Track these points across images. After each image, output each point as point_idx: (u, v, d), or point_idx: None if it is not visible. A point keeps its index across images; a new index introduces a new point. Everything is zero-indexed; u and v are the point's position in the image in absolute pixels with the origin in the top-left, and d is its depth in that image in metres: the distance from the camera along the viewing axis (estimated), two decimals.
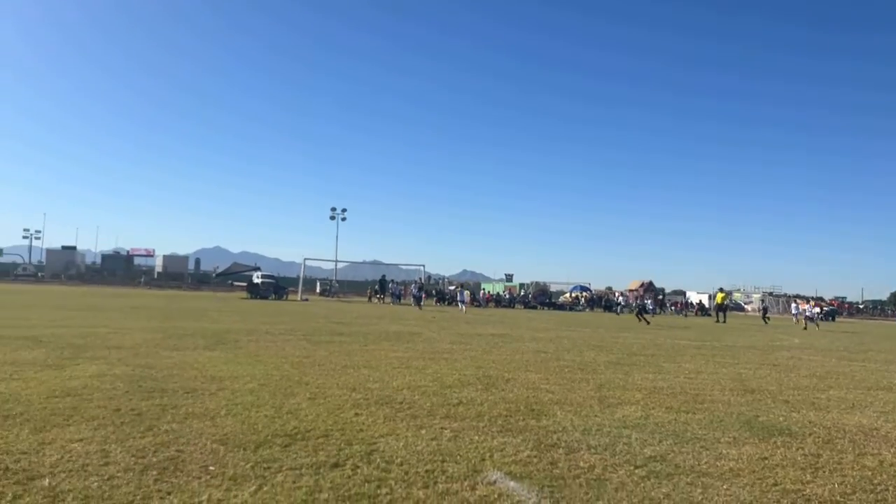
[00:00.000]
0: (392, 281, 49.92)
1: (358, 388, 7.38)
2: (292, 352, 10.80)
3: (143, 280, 65.41)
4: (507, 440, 5.20)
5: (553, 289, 66.82)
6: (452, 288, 56.92)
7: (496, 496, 3.85)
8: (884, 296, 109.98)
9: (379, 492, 3.83)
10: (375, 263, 70.35)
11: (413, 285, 47.50)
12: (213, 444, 4.66)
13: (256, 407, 6.02)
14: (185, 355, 9.60)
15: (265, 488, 3.77)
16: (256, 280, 45.27)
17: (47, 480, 3.73)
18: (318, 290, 60.66)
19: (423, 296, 45.02)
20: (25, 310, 18.90)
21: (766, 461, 4.97)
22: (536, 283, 71.28)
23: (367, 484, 3.94)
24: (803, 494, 4.18)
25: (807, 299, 51.62)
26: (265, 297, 41.31)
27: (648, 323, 29.86)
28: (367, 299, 48.07)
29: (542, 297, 55.11)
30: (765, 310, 43.06)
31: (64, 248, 79.97)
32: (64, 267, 72.28)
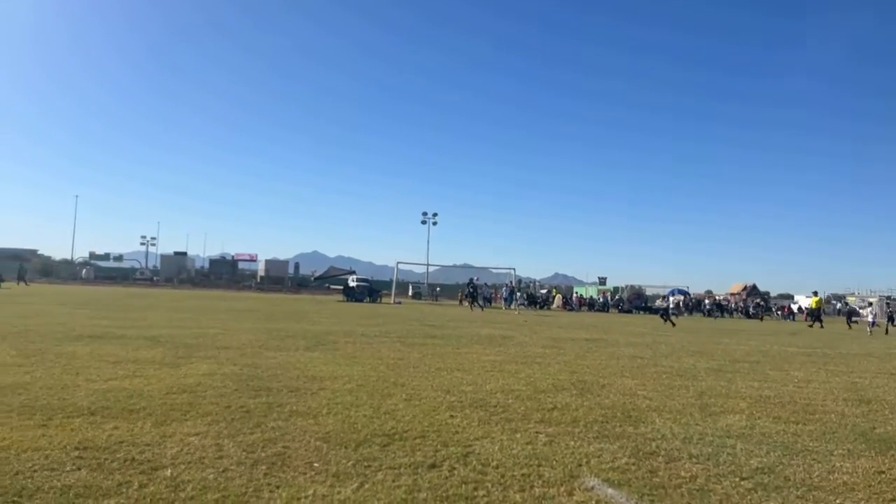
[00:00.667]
0: (484, 284, 50.01)
1: (452, 390, 7.48)
2: (387, 354, 11.07)
3: (252, 284, 68.61)
4: (603, 446, 5.13)
5: (648, 292, 64.84)
6: (544, 292, 56.36)
7: (594, 503, 3.81)
8: None
9: (476, 494, 3.88)
10: (466, 267, 70.76)
11: (504, 288, 47.43)
12: (317, 441, 4.87)
13: (355, 407, 6.23)
14: (287, 356, 10.04)
15: (366, 486, 3.91)
16: (352, 283, 46.55)
17: (169, 471, 4.02)
18: (409, 293, 61.73)
19: (494, 296, 44.81)
20: (143, 311, 20.33)
21: (884, 475, 4.66)
22: (631, 286, 69.43)
23: (464, 485, 4.00)
24: None
25: None
26: (360, 300, 42.44)
27: (674, 325, 28.07)
28: (457, 302, 48.40)
29: (637, 301, 53.56)
30: (849, 314, 38.89)
31: (176, 253, 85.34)
32: (176, 271, 77.07)
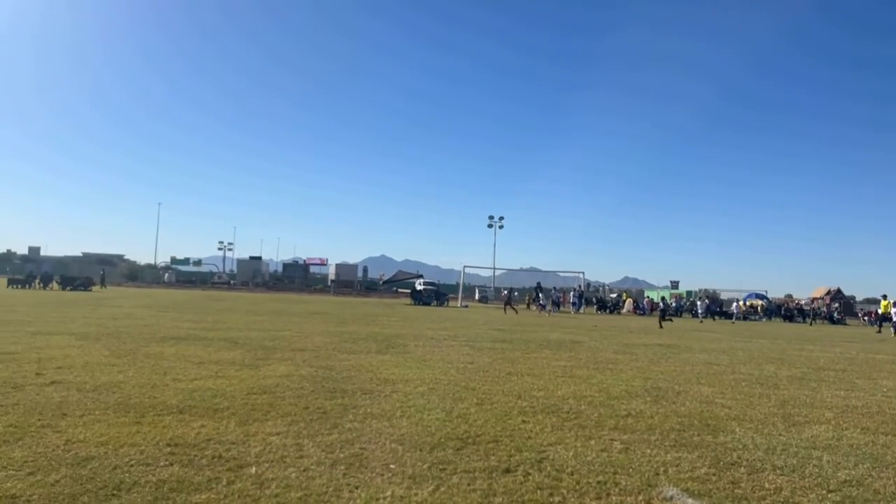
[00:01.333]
0: (553, 288, 49.50)
1: (523, 395, 7.46)
2: (457, 357, 11.14)
3: (334, 289, 69.96)
4: (681, 455, 5.02)
5: (724, 297, 62.65)
6: (614, 296, 55.29)
7: None
8: None
9: (551, 500, 3.87)
10: (532, 270, 70.15)
11: (572, 293, 46.82)
12: (392, 443, 4.96)
13: (428, 410, 6.31)
14: (359, 358, 10.26)
15: (442, 489, 3.96)
16: (419, 287, 47.00)
17: (254, 469, 4.20)
18: (476, 296, 61.72)
19: (562, 300, 44.25)
20: (222, 314, 21.16)
21: None
22: (705, 290, 67.24)
23: (539, 491, 4.00)
24: None
25: None
26: (427, 304, 42.81)
27: (668, 323, 26.33)
28: (525, 306, 48.09)
29: (712, 306, 51.85)
30: (880, 320, 34.03)
31: (251, 258, 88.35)
32: (251, 275, 79.77)
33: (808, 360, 14.22)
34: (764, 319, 48.55)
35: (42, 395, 6.25)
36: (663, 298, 39.93)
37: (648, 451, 5.12)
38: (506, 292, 43.70)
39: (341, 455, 4.59)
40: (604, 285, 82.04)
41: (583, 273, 54.19)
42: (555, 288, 48.10)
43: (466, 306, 44.97)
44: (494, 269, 67.51)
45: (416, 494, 3.85)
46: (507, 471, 4.39)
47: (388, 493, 3.86)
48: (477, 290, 65.10)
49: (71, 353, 9.40)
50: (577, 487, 4.11)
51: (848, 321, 47.89)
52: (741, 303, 52.64)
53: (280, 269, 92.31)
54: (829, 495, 4.18)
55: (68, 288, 41.60)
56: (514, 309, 36.39)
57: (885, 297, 34.45)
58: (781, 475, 4.60)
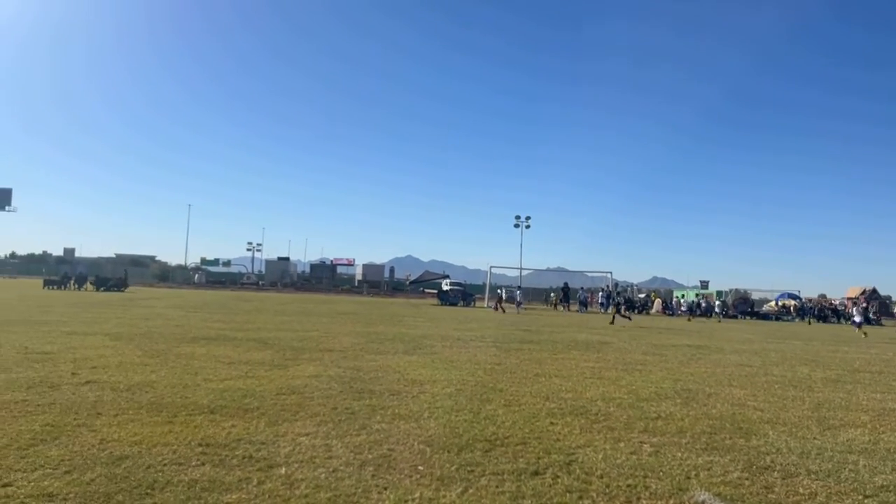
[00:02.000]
0: (580, 288, 49.22)
1: (551, 397, 7.42)
2: (484, 358, 11.12)
3: (363, 288, 70.31)
4: (713, 459, 4.94)
5: (755, 296, 61.53)
6: (643, 296, 54.72)
7: None
8: None
9: (581, 503, 3.84)
10: (560, 270, 69.70)
11: (600, 293, 46.46)
12: (420, 444, 4.97)
13: (456, 411, 6.31)
14: (387, 359, 10.30)
15: (470, 491, 3.96)
16: (446, 287, 47.01)
17: (283, 469, 4.24)
18: (503, 297, 61.53)
19: (590, 300, 43.98)
20: (251, 314, 21.41)
21: None
22: (736, 290, 66.12)
23: (568, 494, 3.97)
24: None
25: None
26: (454, 304, 42.82)
27: (619, 321, 25.51)
28: (551, 307, 47.81)
29: (742, 306, 50.97)
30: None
31: (279, 258, 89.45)
32: (280, 275, 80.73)
33: (842, 361, 13.92)
34: (797, 320, 47.64)
35: (77, 394, 6.39)
36: (618, 293, 38.80)
37: (679, 454, 5.05)
38: (498, 291, 44.13)
39: (370, 456, 4.61)
40: (632, 285, 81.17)
41: (610, 273, 53.72)
42: (582, 288, 47.80)
43: (492, 306, 44.85)
44: (521, 269, 67.20)
45: (444, 496, 3.85)
46: (536, 473, 4.37)
47: (417, 494, 3.86)
48: (504, 290, 64.89)
49: (105, 353, 9.60)
50: (607, 491, 4.07)
51: (884, 321, 46.72)
52: (773, 303, 51.71)
53: (308, 269, 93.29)
54: (866, 501, 4.09)
55: (102, 288, 42.48)
56: (502, 308, 36.63)
57: None
58: (816, 480, 4.51)
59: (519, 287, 45.33)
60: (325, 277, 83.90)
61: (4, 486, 3.72)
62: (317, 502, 3.69)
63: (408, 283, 64.15)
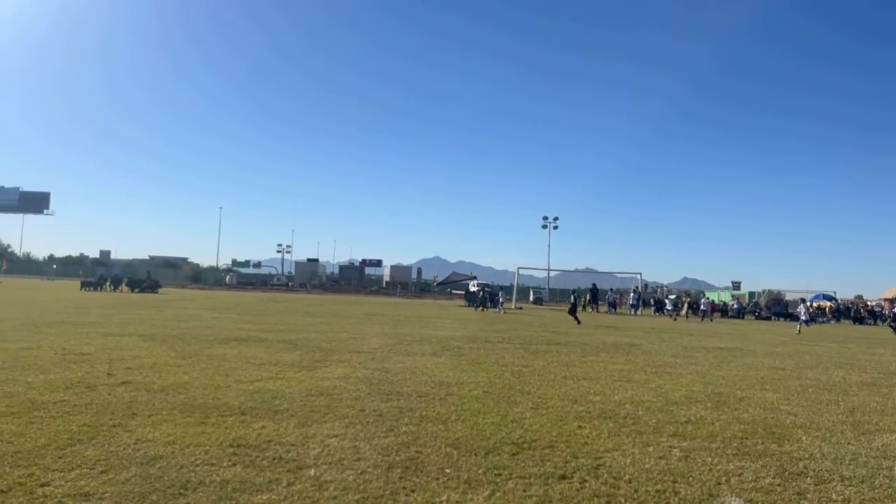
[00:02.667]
0: (609, 290, 48.77)
1: (579, 400, 7.38)
2: (511, 360, 11.10)
3: (398, 291, 70.58)
4: (744, 464, 4.87)
5: (789, 298, 60.35)
6: (673, 297, 54.02)
7: None
8: None
9: None
10: (588, 271, 69.21)
11: (630, 294, 46.01)
12: (447, 447, 4.99)
13: (483, 414, 6.31)
14: (414, 361, 10.35)
15: (497, 494, 3.96)
16: (473, 288, 47.04)
17: (312, 471, 4.29)
18: (531, 298, 61.33)
19: (619, 302, 43.39)
20: (281, 316, 21.67)
21: None
22: (769, 291, 64.95)
23: (595, 499, 3.96)
24: None
25: None
26: (482, 305, 42.81)
27: (579, 322, 25.15)
28: (580, 308, 47.48)
29: (776, 308, 50.05)
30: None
31: (309, 260, 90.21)
32: (309, 277, 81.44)
33: (879, 364, 13.59)
34: (832, 322, 46.64)
35: (113, 395, 6.54)
36: (574, 291, 37.64)
37: (709, 459, 4.99)
38: (633, 297, 43.23)
39: (398, 458, 4.64)
40: (662, 286, 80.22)
41: (640, 274, 53.24)
42: (611, 289, 47.38)
43: (521, 308, 44.71)
44: (549, 270, 66.96)
45: (471, 499, 3.87)
46: (563, 477, 4.35)
47: (444, 497, 3.88)
48: (532, 292, 64.70)
49: (140, 353, 9.81)
50: (635, 496, 4.04)
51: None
52: (808, 304, 50.63)
53: (336, 270, 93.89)
54: None
55: (136, 290, 43.36)
56: (484, 308, 36.61)
57: None
58: (850, 486, 4.42)
59: (501, 288, 45.06)
60: (353, 279, 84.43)
61: (43, 485, 3.84)
62: None
63: (435, 284, 64.32)
